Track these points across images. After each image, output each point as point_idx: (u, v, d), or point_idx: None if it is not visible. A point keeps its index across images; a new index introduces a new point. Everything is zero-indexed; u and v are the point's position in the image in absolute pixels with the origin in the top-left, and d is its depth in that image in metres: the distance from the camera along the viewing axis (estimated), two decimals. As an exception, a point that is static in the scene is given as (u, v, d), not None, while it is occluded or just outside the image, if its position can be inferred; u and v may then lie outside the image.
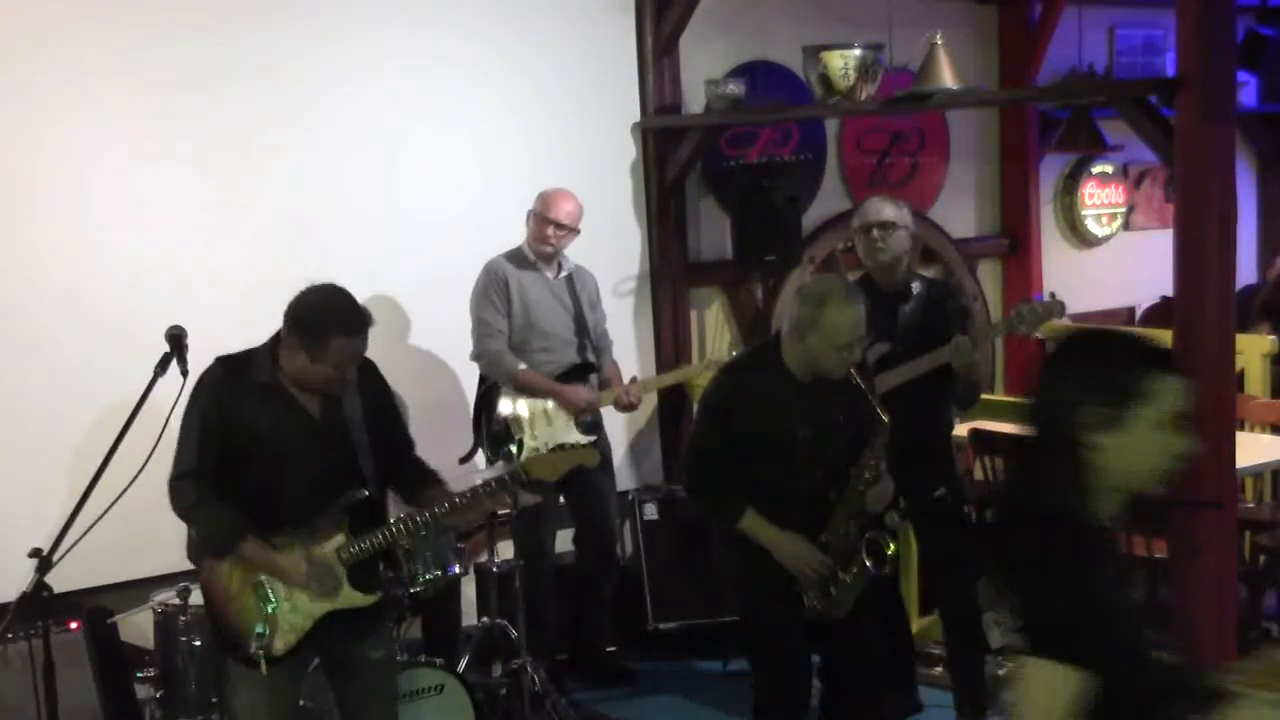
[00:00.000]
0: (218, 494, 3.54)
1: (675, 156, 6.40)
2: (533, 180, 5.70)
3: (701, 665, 5.80)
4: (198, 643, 4.48)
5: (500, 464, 5.04)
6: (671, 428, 6.55)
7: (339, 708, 3.89)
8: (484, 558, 5.44)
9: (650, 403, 6.41)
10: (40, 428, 4.94)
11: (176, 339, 3.52)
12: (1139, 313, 8.48)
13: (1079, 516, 2.23)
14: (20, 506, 4.74)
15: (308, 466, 3.59)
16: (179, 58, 5.18)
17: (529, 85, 6.06)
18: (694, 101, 6.50)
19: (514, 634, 5.00)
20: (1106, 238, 8.42)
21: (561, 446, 4.01)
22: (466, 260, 5.56)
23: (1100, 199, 8.36)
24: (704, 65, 6.51)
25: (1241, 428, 5.84)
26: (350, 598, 3.63)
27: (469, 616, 5.66)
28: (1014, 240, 7.89)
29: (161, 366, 3.52)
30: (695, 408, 5.59)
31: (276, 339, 3.58)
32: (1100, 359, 2.26)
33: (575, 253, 5.59)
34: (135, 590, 4.89)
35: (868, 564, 3.93)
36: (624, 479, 6.17)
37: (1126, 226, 8.51)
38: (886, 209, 4.72)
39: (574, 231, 5.47)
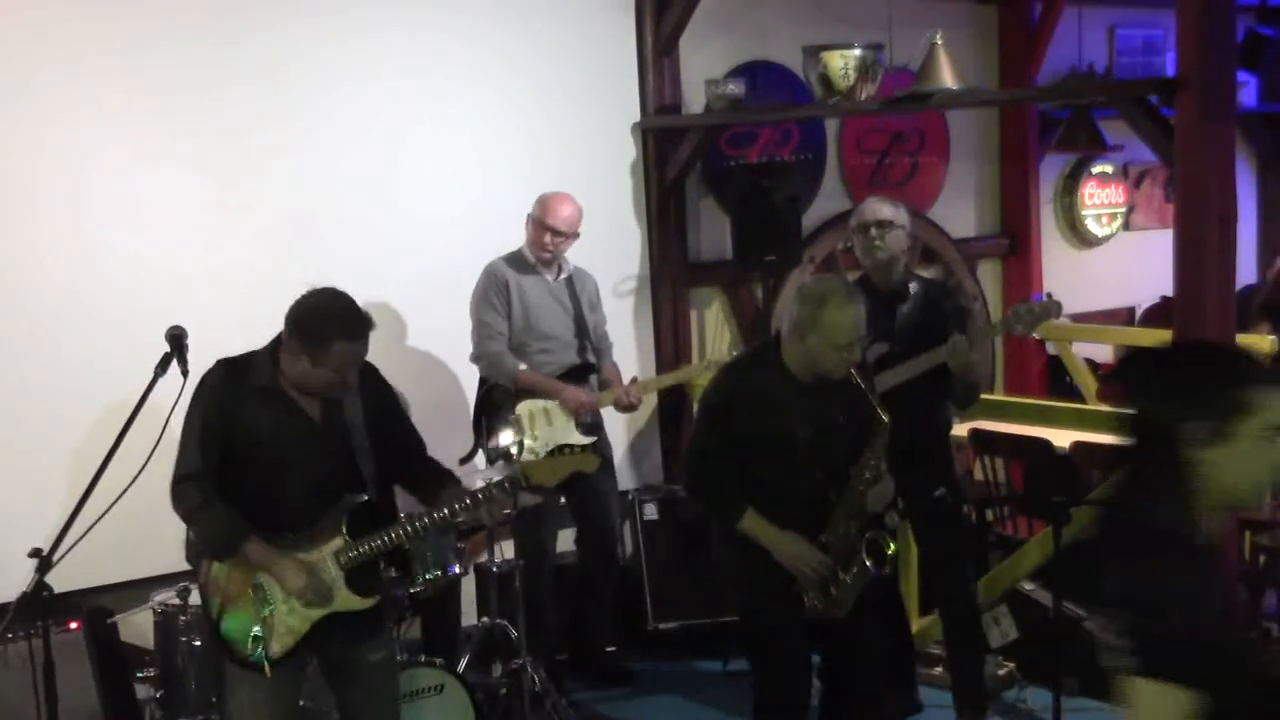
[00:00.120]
0: (218, 496, 3.53)
1: (675, 156, 6.40)
2: (532, 180, 5.70)
3: (701, 665, 5.80)
4: (198, 643, 4.48)
5: (499, 466, 5.05)
6: (671, 428, 6.55)
7: (339, 710, 3.89)
8: (484, 558, 5.44)
9: (650, 403, 6.41)
10: (40, 428, 4.94)
11: (176, 339, 3.51)
12: (1139, 313, 8.49)
13: (1189, 534, 2.18)
14: (20, 506, 4.74)
15: (308, 470, 3.59)
16: (179, 58, 5.18)
17: (529, 85, 6.06)
18: (694, 101, 6.50)
19: (514, 634, 5.00)
20: (1106, 238, 8.43)
21: (561, 450, 4.00)
22: (466, 261, 5.56)
23: (1100, 199, 8.37)
24: (704, 65, 6.51)
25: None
26: (348, 601, 3.62)
27: (469, 616, 5.66)
28: (1014, 240, 7.89)
29: (161, 366, 3.52)
30: (695, 408, 5.60)
31: (277, 342, 3.58)
32: (1200, 373, 2.23)
33: (575, 254, 5.58)
34: (135, 590, 4.89)
35: (868, 564, 3.92)
36: (624, 479, 6.17)
37: (1126, 226, 8.51)
38: (884, 208, 4.73)
39: (572, 237, 5.46)
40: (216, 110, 5.27)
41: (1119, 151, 7.71)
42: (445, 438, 5.52)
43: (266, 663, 3.55)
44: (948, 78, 5.37)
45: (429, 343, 5.85)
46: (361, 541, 3.60)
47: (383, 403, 3.76)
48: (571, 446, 4.03)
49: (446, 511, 3.65)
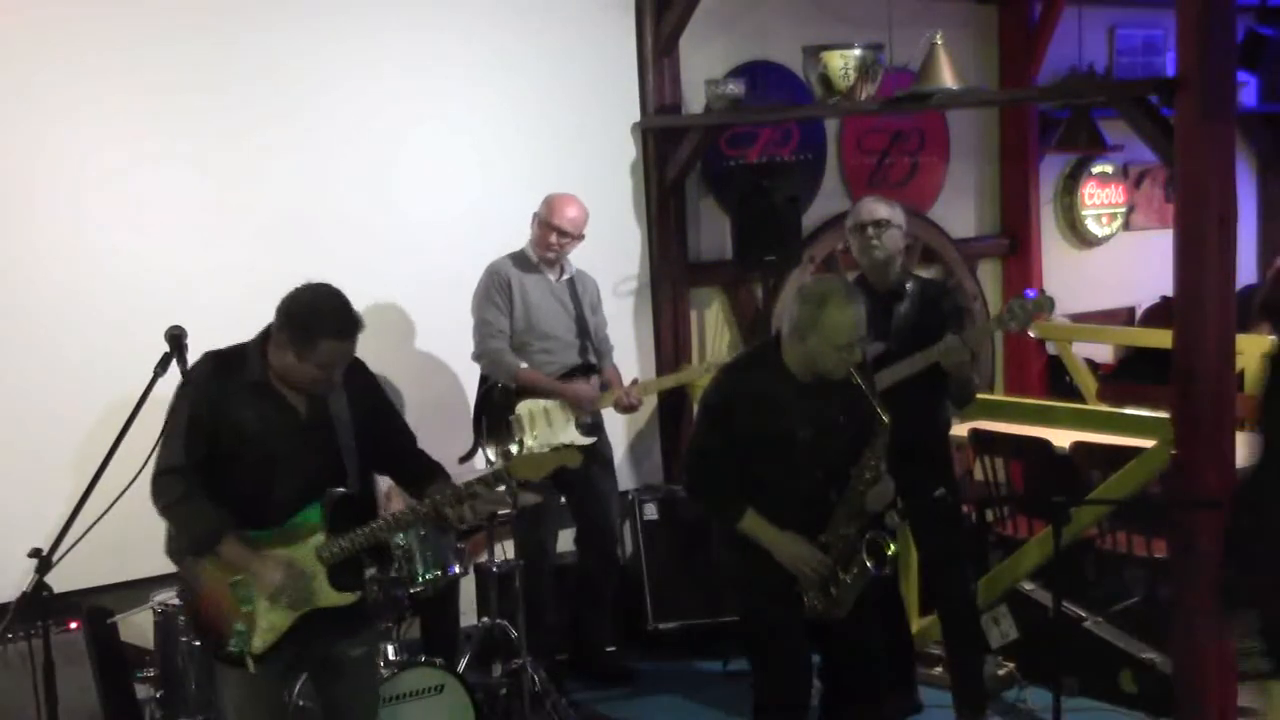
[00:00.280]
0: (202, 490, 3.50)
1: (675, 156, 6.40)
2: (532, 180, 5.70)
3: (701, 665, 5.80)
4: (198, 643, 4.48)
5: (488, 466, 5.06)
6: (671, 428, 6.55)
7: (321, 705, 3.88)
8: (484, 558, 5.44)
9: (650, 403, 6.41)
10: (40, 428, 4.94)
11: (176, 339, 3.51)
12: (1139, 313, 8.49)
13: None
14: (20, 506, 4.74)
15: (293, 466, 3.57)
16: (179, 58, 5.18)
17: (529, 85, 6.06)
18: (694, 101, 6.50)
19: (514, 634, 5.00)
20: (1106, 238, 8.43)
21: (556, 449, 4.00)
22: (466, 260, 5.56)
23: (1100, 199, 8.37)
24: (704, 65, 6.51)
25: (1241, 428, 5.83)
26: (330, 596, 3.60)
27: (469, 616, 5.67)
28: (1014, 240, 7.89)
29: (161, 366, 3.51)
30: (695, 408, 5.60)
31: (266, 335, 3.57)
32: None
33: (576, 254, 5.59)
34: (135, 590, 4.89)
35: (868, 564, 3.92)
36: (624, 479, 6.17)
37: (1126, 226, 8.51)
38: (880, 208, 4.74)
39: (578, 238, 5.47)
40: (216, 110, 5.27)
41: (1119, 151, 7.70)
42: (445, 438, 5.53)
43: (250, 660, 3.53)
44: (948, 78, 5.37)
45: (429, 343, 5.85)
46: (343, 536, 3.59)
47: (371, 399, 3.75)
48: (558, 445, 4.03)
49: (430, 505, 3.64)
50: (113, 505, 3.47)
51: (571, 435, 5.40)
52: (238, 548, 3.52)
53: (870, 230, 4.70)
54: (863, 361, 4.04)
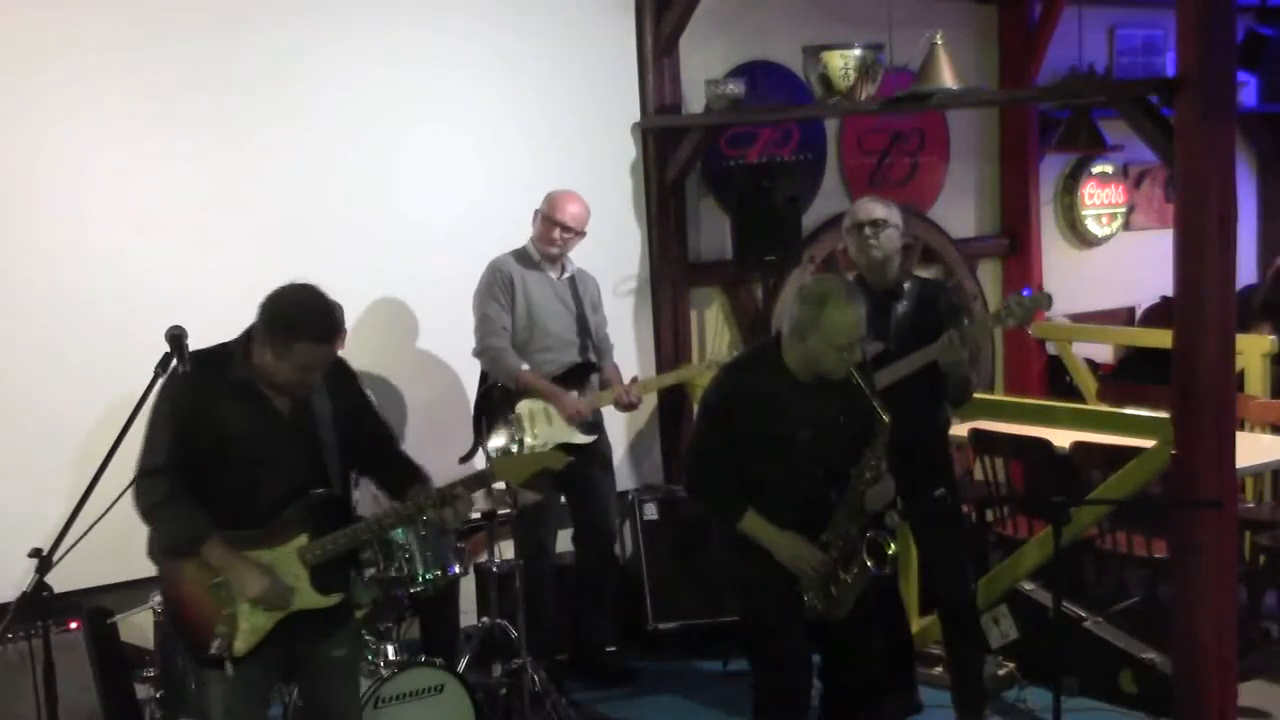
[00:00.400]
0: (186, 493, 3.48)
1: (675, 156, 6.40)
2: (532, 180, 5.70)
3: (701, 665, 5.80)
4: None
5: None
6: (671, 428, 6.55)
7: (303, 707, 3.87)
8: (484, 558, 5.44)
9: (650, 403, 6.41)
10: (40, 428, 4.94)
11: (176, 339, 3.49)
12: (1139, 313, 8.49)
13: None
14: (20, 506, 4.74)
15: (276, 466, 3.55)
16: (179, 58, 5.18)
17: (529, 85, 6.06)
18: (694, 101, 6.50)
19: (514, 634, 5.00)
20: (1106, 238, 8.43)
21: (539, 452, 3.99)
22: (466, 260, 5.56)
23: (1100, 199, 8.37)
24: (704, 65, 6.51)
25: (1241, 428, 5.84)
26: (312, 599, 3.59)
27: (469, 616, 5.67)
28: (1014, 240, 7.89)
29: (162, 366, 3.51)
30: (695, 408, 5.60)
31: (249, 335, 3.54)
32: None
33: (576, 253, 5.59)
34: (135, 590, 4.88)
35: (868, 564, 3.92)
36: (624, 479, 6.17)
37: (1126, 226, 8.51)
38: (877, 208, 4.75)
39: (580, 234, 5.48)
40: (217, 110, 5.27)
41: (1119, 151, 7.70)
42: (445, 437, 5.55)
43: (229, 663, 3.51)
44: (948, 78, 5.37)
45: (429, 342, 5.85)
46: (327, 539, 3.58)
47: (351, 398, 3.74)
48: (543, 447, 3.99)
49: (412, 506, 3.63)
50: (113, 505, 3.45)
51: (573, 434, 5.40)
52: (221, 551, 3.49)
53: (867, 230, 4.71)
54: (863, 361, 4.04)
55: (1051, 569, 4.94)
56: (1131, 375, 7.26)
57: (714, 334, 6.78)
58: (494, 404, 5.40)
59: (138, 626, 4.90)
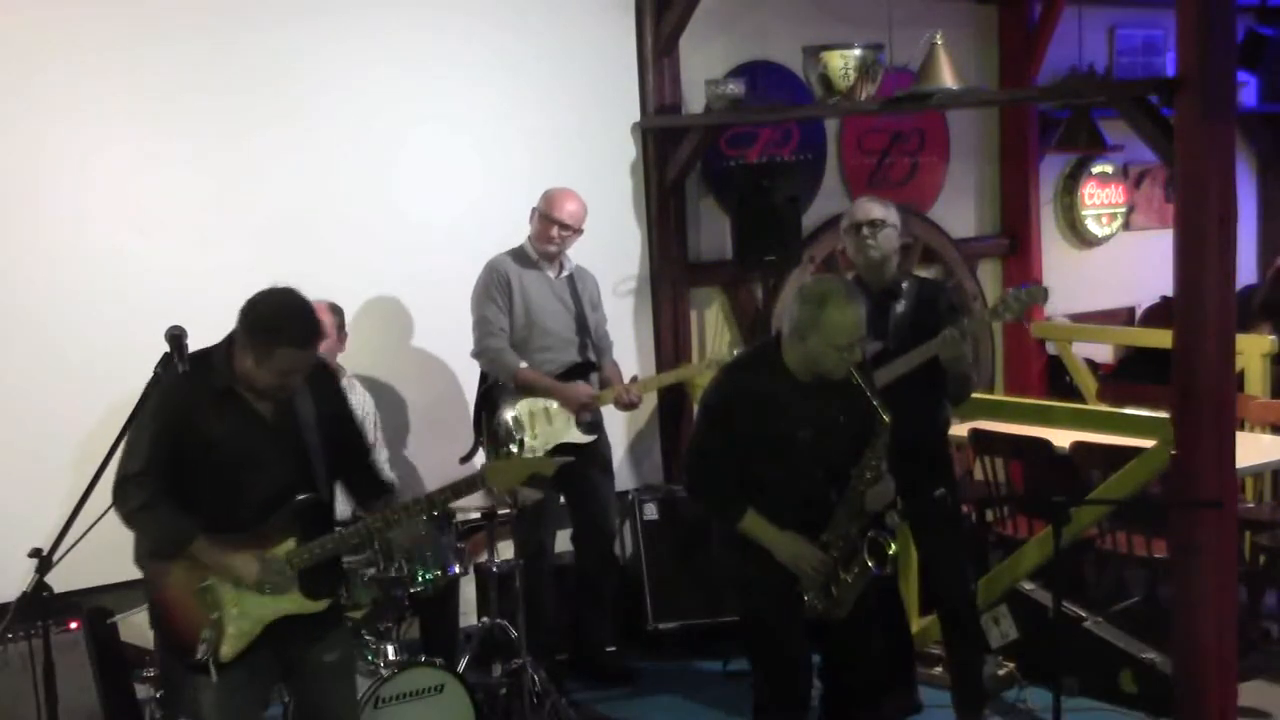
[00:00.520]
0: (167, 497, 3.46)
1: (675, 156, 6.40)
2: (533, 180, 5.70)
3: (701, 665, 5.80)
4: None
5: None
6: (671, 428, 6.55)
7: (296, 713, 3.86)
8: (484, 558, 5.44)
9: (650, 402, 6.41)
10: (40, 428, 4.94)
11: (176, 339, 3.49)
12: (1139, 313, 8.49)
13: None
14: (20, 506, 4.75)
15: (260, 470, 3.54)
16: (179, 58, 5.19)
17: (529, 85, 6.06)
18: (694, 101, 6.50)
19: (514, 634, 5.00)
20: (1106, 238, 8.43)
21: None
22: (466, 260, 5.56)
23: (1100, 199, 8.37)
24: (704, 65, 6.51)
25: (1241, 428, 5.84)
26: (301, 604, 3.58)
27: (469, 616, 5.67)
28: (1014, 240, 7.89)
29: (161, 366, 3.52)
30: (695, 407, 5.60)
31: (232, 338, 3.54)
32: None
33: (575, 252, 5.59)
34: (135, 590, 4.84)
35: (869, 564, 3.92)
36: (624, 479, 6.17)
37: (1126, 226, 8.51)
38: (875, 207, 4.75)
39: (577, 232, 5.48)
40: (217, 110, 5.27)
41: (1119, 151, 7.70)
42: (445, 437, 5.56)
43: (213, 668, 3.49)
44: (948, 78, 5.37)
45: (429, 342, 5.85)
46: (315, 543, 3.57)
47: (334, 403, 3.74)
48: (533, 452, 3.98)
49: (415, 506, 3.65)
50: (112, 505, 3.47)
51: (573, 434, 5.40)
52: (210, 546, 3.49)
53: (865, 230, 4.71)
54: (863, 361, 4.04)
55: (1051, 569, 4.94)
56: (1131, 375, 7.27)
57: (714, 334, 6.78)
58: (494, 403, 5.40)
59: (138, 626, 4.89)
